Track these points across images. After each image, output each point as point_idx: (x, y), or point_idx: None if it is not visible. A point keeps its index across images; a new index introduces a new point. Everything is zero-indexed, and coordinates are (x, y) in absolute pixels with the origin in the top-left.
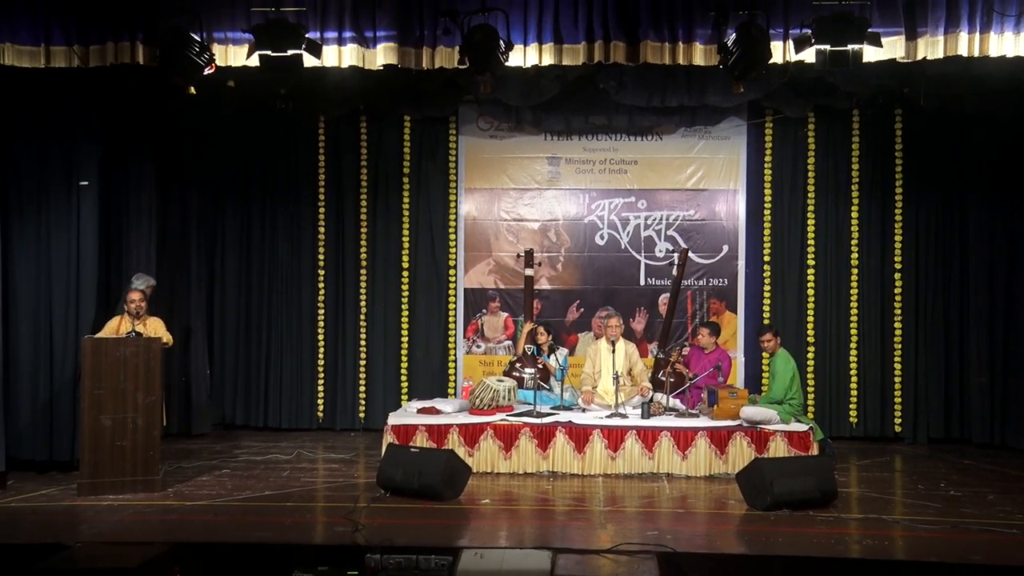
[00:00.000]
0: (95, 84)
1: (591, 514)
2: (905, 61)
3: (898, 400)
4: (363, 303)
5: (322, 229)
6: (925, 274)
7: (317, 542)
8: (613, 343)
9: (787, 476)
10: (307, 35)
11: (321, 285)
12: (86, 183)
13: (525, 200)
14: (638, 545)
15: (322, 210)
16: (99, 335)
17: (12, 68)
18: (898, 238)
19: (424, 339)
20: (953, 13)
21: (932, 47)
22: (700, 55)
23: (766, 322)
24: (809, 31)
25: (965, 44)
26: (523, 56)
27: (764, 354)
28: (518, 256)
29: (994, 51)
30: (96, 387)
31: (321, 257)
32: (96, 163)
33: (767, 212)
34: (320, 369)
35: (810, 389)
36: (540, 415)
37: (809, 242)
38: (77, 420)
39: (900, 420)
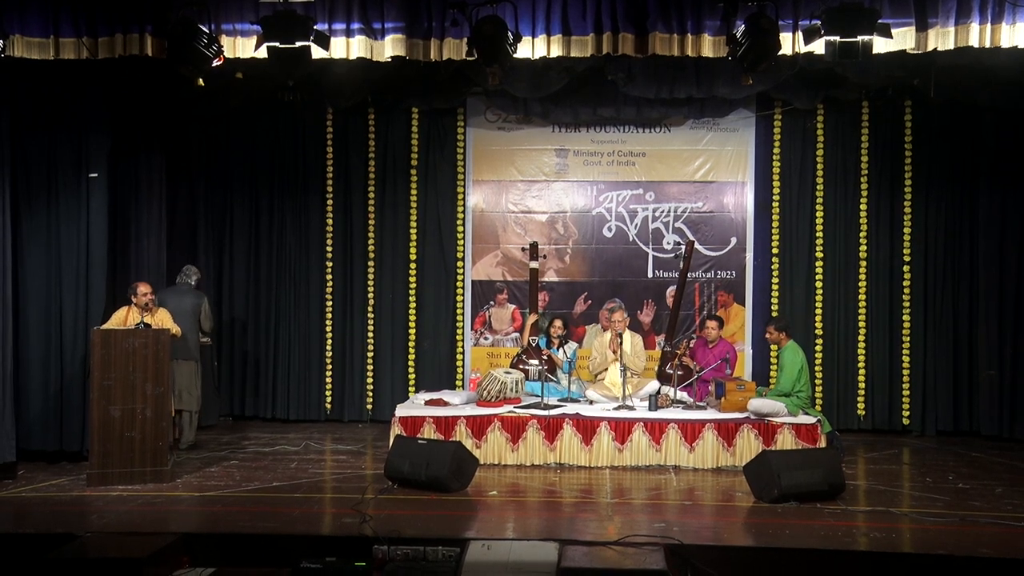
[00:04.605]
0: (104, 76)
1: (598, 506)
2: (915, 52)
3: (906, 393)
4: (371, 295)
5: (330, 220)
6: (934, 267)
7: (325, 533)
8: (620, 336)
9: (794, 468)
10: (315, 27)
11: (329, 277)
12: (95, 175)
13: (533, 192)
14: (645, 537)
15: (330, 202)
16: (106, 326)
17: (22, 60)
18: (907, 230)
19: (432, 331)
20: (964, 4)
21: (943, 38)
22: (709, 47)
23: (774, 315)
24: (819, 22)
25: (976, 35)
26: (531, 48)
27: (772, 347)
28: (524, 249)
29: (1005, 42)
30: (105, 378)
31: (329, 249)
32: (105, 154)
33: (775, 204)
34: (328, 361)
35: (818, 381)
36: (547, 407)
37: (817, 234)
38: (87, 410)
39: (908, 413)
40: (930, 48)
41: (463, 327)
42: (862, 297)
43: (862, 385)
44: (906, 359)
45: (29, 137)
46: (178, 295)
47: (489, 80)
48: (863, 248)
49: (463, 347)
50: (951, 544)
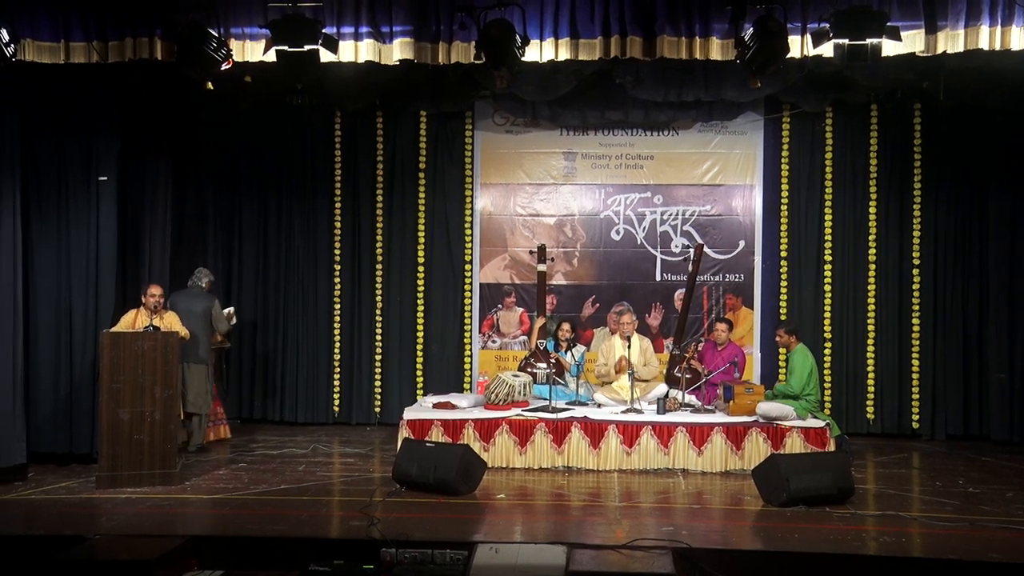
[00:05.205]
0: (114, 79)
1: (606, 509)
2: (925, 55)
3: (916, 396)
4: (379, 298)
5: (338, 224)
6: (943, 270)
7: (333, 536)
8: (628, 339)
9: (803, 472)
10: (324, 30)
11: (337, 280)
12: (105, 178)
13: (541, 195)
14: (653, 541)
15: (338, 205)
16: (115, 329)
17: (32, 64)
18: (916, 234)
19: (440, 334)
20: (974, 6)
21: (952, 41)
22: (717, 50)
23: (783, 318)
24: (827, 25)
25: (986, 38)
26: (539, 51)
27: (781, 350)
28: (532, 252)
29: (1016, 44)
30: (114, 381)
31: (337, 252)
32: (114, 158)
33: (784, 207)
34: (336, 364)
35: (827, 385)
36: (555, 410)
37: (826, 238)
38: (96, 413)
39: (918, 416)
40: (939, 51)
41: (471, 330)
42: (871, 300)
43: (871, 388)
44: (915, 362)
45: (39, 139)
46: (189, 298)
47: (497, 83)
48: (872, 251)
49: (471, 350)
50: (961, 549)
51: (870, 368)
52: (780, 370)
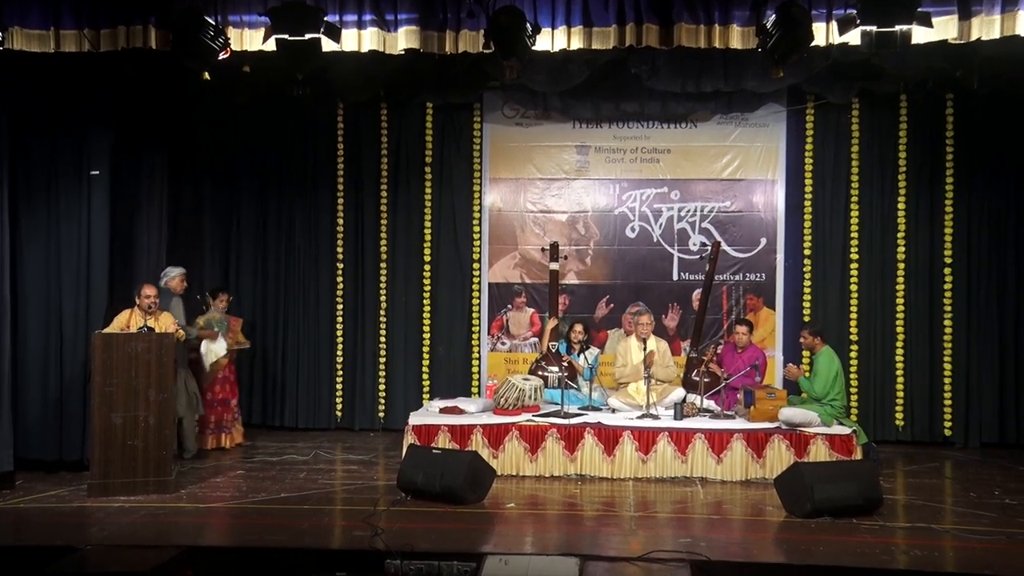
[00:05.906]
0: (106, 69)
1: (621, 520)
2: (958, 42)
3: (948, 402)
4: (383, 298)
5: (341, 220)
6: (977, 268)
7: (335, 547)
8: (644, 340)
9: (829, 482)
10: (326, 18)
11: (340, 279)
12: (97, 172)
13: (552, 191)
14: (670, 553)
15: (341, 200)
16: (108, 330)
17: (21, 53)
18: (948, 230)
19: (447, 336)
20: None
21: (987, 27)
22: (737, 38)
23: (806, 319)
24: (854, 11)
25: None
26: (551, 40)
27: (805, 353)
28: (543, 250)
29: None
30: (107, 384)
31: (340, 250)
32: (107, 152)
33: (808, 203)
34: (339, 366)
35: (853, 390)
36: (568, 415)
37: (852, 235)
38: (87, 417)
39: (950, 423)
40: (974, 38)
41: (479, 332)
42: (900, 301)
43: (900, 394)
44: (947, 366)
45: (29, 133)
46: (161, 298)
47: (506, 74)
48: (901, 249)
49: (479, 352)
50: (998, 564)
51: (899, 372)
52: (804, 373)
